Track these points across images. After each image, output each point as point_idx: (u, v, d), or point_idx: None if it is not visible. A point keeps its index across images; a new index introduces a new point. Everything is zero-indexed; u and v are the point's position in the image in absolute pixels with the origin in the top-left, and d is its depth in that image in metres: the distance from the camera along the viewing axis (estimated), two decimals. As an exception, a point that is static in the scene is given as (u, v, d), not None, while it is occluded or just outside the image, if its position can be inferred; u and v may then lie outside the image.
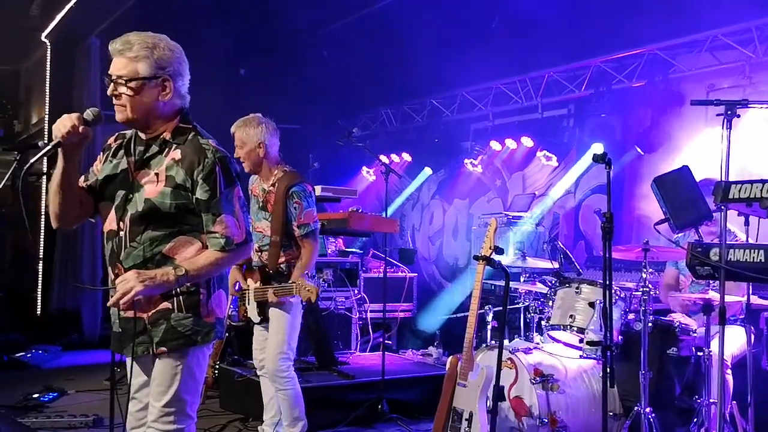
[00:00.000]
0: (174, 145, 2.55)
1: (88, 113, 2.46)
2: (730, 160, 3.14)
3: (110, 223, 2.61)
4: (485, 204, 9.00)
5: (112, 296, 2.48)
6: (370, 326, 6.71)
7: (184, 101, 2.62)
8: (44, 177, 7.11)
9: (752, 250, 2.90)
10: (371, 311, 6.71)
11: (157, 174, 2.53)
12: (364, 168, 10.24)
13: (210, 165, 2.49)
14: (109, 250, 2.60)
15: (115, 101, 2.51)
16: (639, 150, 6.80)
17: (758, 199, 2.76)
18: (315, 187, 5.65)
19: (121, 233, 2.55)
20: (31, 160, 2.41)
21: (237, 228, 2.55)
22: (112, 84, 2.49)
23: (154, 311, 2.52)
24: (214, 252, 2.53)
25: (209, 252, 2.54)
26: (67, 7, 7.49)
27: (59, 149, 2.45)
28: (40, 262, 8.65)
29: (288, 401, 4.06)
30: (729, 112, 3.22)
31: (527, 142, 8.13)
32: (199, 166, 2.49)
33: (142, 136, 2.59)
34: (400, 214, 10.10)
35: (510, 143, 8.34)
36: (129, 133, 2.67)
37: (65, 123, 2.41)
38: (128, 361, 2.66)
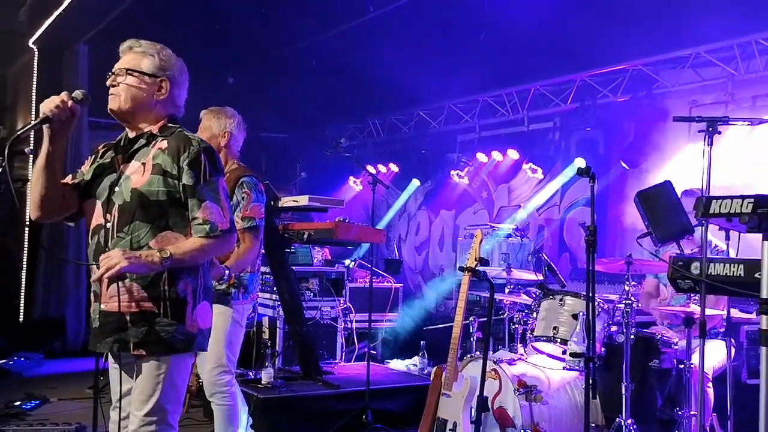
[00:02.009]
0: (161, 138, 2.61)
1: (77, 93, 2.54)
2: (715, 174, 3.20)
3: (97, 217, 2.63)
4: (471, 215, 9.06)
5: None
6: (355, 336, 6.71)
7: (177, 111, 2.71)
8: (29, 184, 7.08)
9: (732, 265, 2.94)
10: (357, 321, 6.72)
11: (143, 164, 2.57)
12: (351, 178, 10.27)
13: (195, 152, 2.55)
14: (95, 243, 2.60)
15: (111, 91, 2.59)
16: (624, 164, 6.88)
17: (738, 215, 2.80)
18: (302, 196, 5.70)
19: (108, 225, 2.57)
20: (18, 132, 2.47)
21: (221, 216, 2.57)
22: (112, 76, 2.59)
23: (137, 310, 2.51)
24: (199, 239, 2.54)
25: (194, 238, 2.55)
26: (56, 13, 7.48)
27: (47, 128, 2.51)
28: (24, 268, 8.60)
29: (223, 416, 3.82)
30: (710, 129, 3.30)
31: (513, 154, 8.21)
32: (184, 153, 2.54)
33: (130, 135, 2.66)
34: (386, 224, 10.14)
35: (496, 155, 8.42)
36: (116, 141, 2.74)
37: (53, 100, 2.49)
38: (111, 370, 2.67)
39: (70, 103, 2.50)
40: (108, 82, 2.61)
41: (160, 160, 2.55)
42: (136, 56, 2.60)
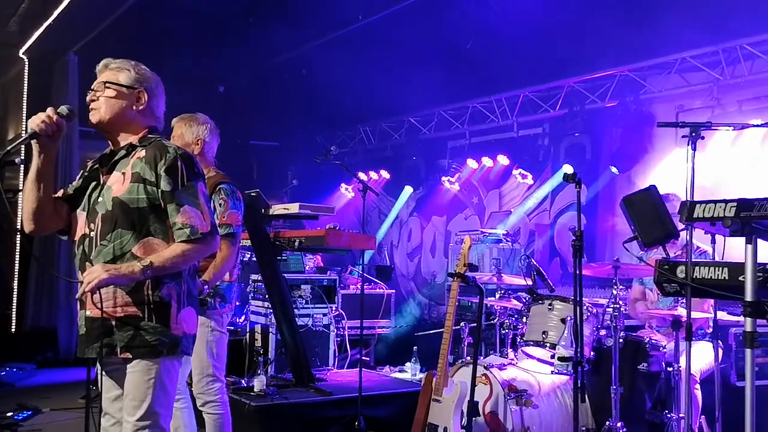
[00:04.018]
0: (140, 147, 2.68)
1: (62, 108, 2.62)
2: (703, 177, 3.25)
3: (81, 228, 2.68)
4: (462, 221, 9.10)
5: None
6: (347, 343, 6.73)
7: (157, 122, 2.80)
8: (20, 194, 7.11)
9: (717, 268, 2.98)
10: (349, 328, 6.73)
11: (123, 173, 2.64)
12: (343, 185, 10.29)
13: (172, 159, 2.62)
14: (80, 253, 2.66)
15: (92, 106, 2.68)
16: (613, 169, 6.93)
17: (721, 218, 2.84)
18: (293, 204, 5.71)
19: (92, 234, 2.63)
20: (8, 148, 2.53)
21: (201, 219, 2.62)
22: (91, 92, 2.68)
23: (122, 315, 2.56)
24: (180, 244, 2.59)
25: (176, 244, 2.60)
26: (46, 23, 7.50)
27: (35, 143, 2.57)
28: (15, 278, 8.59)
29: (215, 425, 3.83)
30: (693, 134, 3.34)
31: (503, 160, 8.25)
32: (161, 160, 2.61)
33: (113, 147, 2.74)
34: (378, 231, 10.16)
35: (486, 161, 8.46)
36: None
37: (40, 116, 2.57)
38: (99, 375, 2.69)
39: (56, 118, 2.57)
40: (88, 98, 2.69)
41: (138, 169, 2.62)
42: (113, 72, 2.70)
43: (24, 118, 8.51)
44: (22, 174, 7.42)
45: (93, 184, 2.71)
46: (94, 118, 2.67)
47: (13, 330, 8.49)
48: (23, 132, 8.46)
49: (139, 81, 2.70)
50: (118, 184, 2.62)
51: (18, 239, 8.40)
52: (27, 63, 8.57)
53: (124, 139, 2.71)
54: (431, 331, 7.21)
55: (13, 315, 8.53)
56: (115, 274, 2.46)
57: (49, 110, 2.57)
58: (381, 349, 7.55)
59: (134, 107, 2.69)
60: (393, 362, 7.16)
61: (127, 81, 2.68)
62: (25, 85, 8.57)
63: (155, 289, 2.58)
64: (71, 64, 8.15)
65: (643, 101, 6.79)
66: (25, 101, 8.56)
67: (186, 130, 3.87)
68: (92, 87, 2.70)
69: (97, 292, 2.49)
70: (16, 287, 8.58)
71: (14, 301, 8.55)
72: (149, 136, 2.72)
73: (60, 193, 2.76)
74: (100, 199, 2.64)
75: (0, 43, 8.44)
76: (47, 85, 8.38)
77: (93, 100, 2.67)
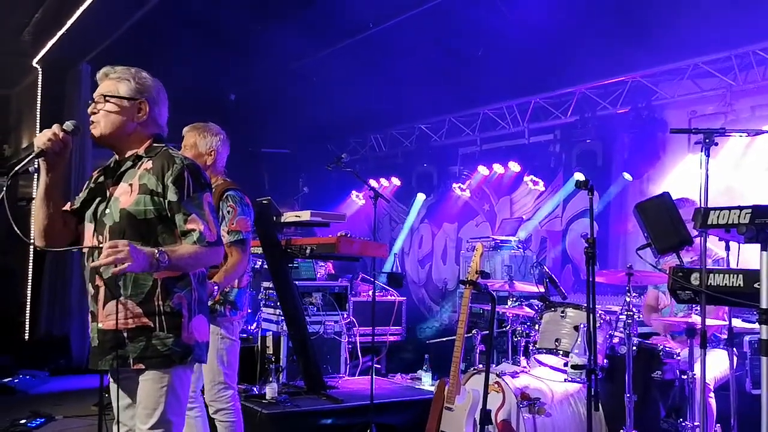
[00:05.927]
0: (146, 158, 2.67)
1: (68, 124, 2.61)
2: (715, 182, 3.23)
3: (89, 240, 2.68)
4: (473, 228, 9.08)
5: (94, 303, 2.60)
6: (359, 350, 6.72)
7: (161, 130, 2.77)
8: (33, 201, 7.15)
9: (732, 275, 2.96)
10: (360, 335, 6.72)
11: (131, 185, 2.64)
12: (354, 192, 10.30)
13: (178, 170, 2.61)
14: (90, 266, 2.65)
15: (91, 119, 2.67)
16: (626, 176, 6.90)
17: (736, 225, 2.82)
18: (304, 212, 5.72)
19: (101, 246, 2.59)
20: (16, 168, 2.52)
21: (208, 229, 2.61)
22: (92, 104, 2.67)
23: (134, 326, 2.56)
24: (191, 244, 2.58)
25: (187, 244, 2.59)
26: (59, 33, 7.56)
27: (43, 160, 2.58)
28: (29, 286, 8.64)
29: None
30: (707, 140, 3.32)
31: (514, 166, 8.24)
32: (168, 171, 2.61)
33: (118, 158, 2.74)
34: (389, 238, 10.16)
35: (497, 168, 8.45)
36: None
37: (46, 133, 2.56)
38: (112, 386, 2.70)
39: (62, 135, 2.57)
40: (89, 110, 2.68)
41: (145, 180, 2.61)
42: (113, 82, 2.67)
43: (37, 127, 8.59)
44: (35, 182, 7.47)
45: (99, 195, 2.70)
46: (94, 131, 2.66)
47: (26, 337, 8.55)
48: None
49: (140, 91, 2.67)
50: (125, 196, 2.61)
51: (31, 247, 8.45)
52: (40, 72, 8.65)
53: (129, 150, 2.70)
54: (443, 339, 7.19)
55: (27, 322, 8.58)
56: (135, 256, 2.37)
57: (55, 127, 2.57)
58: (393, 356, 7.53)
59: (135, 119, 2.67)
60: (405, 370, 7.14)
61: (127, 92, 2.65)
62: (39, 94, 8.64)
63: (166, 299, 2.58)
64: (84, 74, 8.21)
65: (656, 107, 6.75)
66: (38, 110, 8.63)
67: (200, 140, 3.90)
68: (92, 98, 2.68)
69: (111, 300, 2.51)
70: (29, 295, 8.63)
71: (27, 309, 8.60)
72: (155, 145, 2.71)
73: (68, 206, 2.76)
74: (108, 211, 2.63)
75: (14, 52, 8.52)
76: (60, 94, 8.45)
77: (94, 113, 2.66)
